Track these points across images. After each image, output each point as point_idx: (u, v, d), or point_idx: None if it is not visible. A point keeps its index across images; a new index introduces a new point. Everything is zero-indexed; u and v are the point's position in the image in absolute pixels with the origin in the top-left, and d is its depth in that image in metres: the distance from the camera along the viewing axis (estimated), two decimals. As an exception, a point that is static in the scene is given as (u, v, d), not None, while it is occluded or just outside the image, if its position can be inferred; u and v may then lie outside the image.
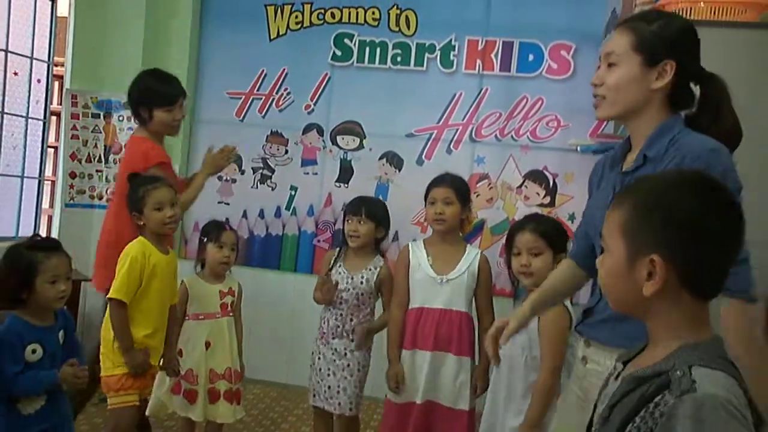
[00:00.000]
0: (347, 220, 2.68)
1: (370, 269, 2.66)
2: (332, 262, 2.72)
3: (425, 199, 2.57)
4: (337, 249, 2.77)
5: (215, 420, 2.60)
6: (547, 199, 3.77)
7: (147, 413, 2.64)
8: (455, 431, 2.41)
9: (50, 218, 4.34)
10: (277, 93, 4.07)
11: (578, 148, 3.46)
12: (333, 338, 2.65)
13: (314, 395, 2.68)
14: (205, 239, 2.65)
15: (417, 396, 2.44)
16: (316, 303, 2.73)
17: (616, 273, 1.01)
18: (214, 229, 2.66)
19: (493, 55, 3.83)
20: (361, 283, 2.64)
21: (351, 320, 2.64)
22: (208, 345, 2.58)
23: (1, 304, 1.98)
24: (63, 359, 2.06)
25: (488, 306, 2.51)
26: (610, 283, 1.05)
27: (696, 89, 1.51)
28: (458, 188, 2.53)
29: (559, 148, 3.72)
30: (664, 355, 0.96)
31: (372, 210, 2.68)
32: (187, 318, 2.61)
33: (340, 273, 2.66)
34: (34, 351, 1.96)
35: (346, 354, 2.63)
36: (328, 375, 2.63)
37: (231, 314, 2.66)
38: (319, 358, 2.68)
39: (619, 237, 1.00)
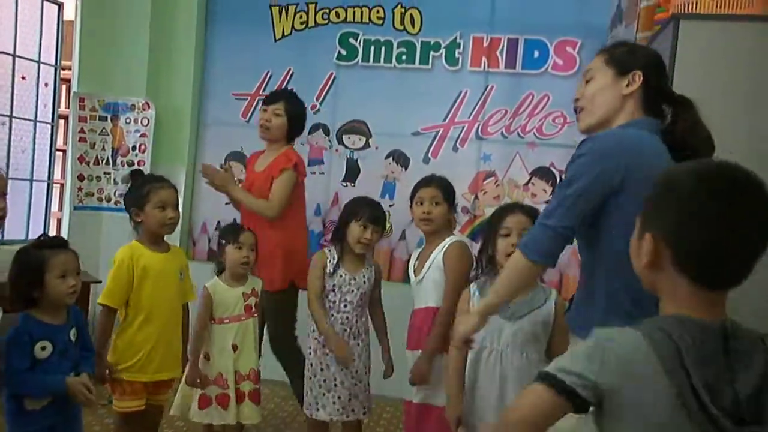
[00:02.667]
0: (361, 226, 2.55)
1: (368, 268, 2.63)
2: (333, 268, 2.58)
3: (411, 200, 2.54)
4: (331, 251, 2.63)
5: (240, 421, 2.62)
6: (554, 196, 3.75)
7: (171, 412, 2.66)
8: (425, 428, 2.37)
9: (59, 221, 4.37)
10: (282, 93, 4.07)
11: (585, 145, 3.44)
12: None
13: (318, 408, 2.56)
14: (224, 242, 2.64)
15: (409, 395, 2.45)
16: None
17: (633, 250, 1.10)
18: (231, 231, 2.66)
19: (498, 53, 3.83)
20: (364, 282, 2.60)
21: (356, 321, 2.59)
22: (235, 348, 2.59)
23: (15, 304, 2.02)
24: (76, 356, 2.11)
25: (449, 291, 2.37)
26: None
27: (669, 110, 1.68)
28: (445, 189, 2.51)
29: (566, 145, 3.70)
30: None
31: (384, 218, 2.65)
32: (212, 322, 2.61)
33: (341, 276, 2.58)
34: (43, 348, 1.99)
35: (353, 359, 2.55)
36: (335, 385, 2.55)
37: (255, 315, 2.67)
38: (322, 369, 2.57)
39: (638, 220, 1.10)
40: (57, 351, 2.02)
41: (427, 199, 2.47)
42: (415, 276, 2.51)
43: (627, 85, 1.64)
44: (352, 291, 2.58)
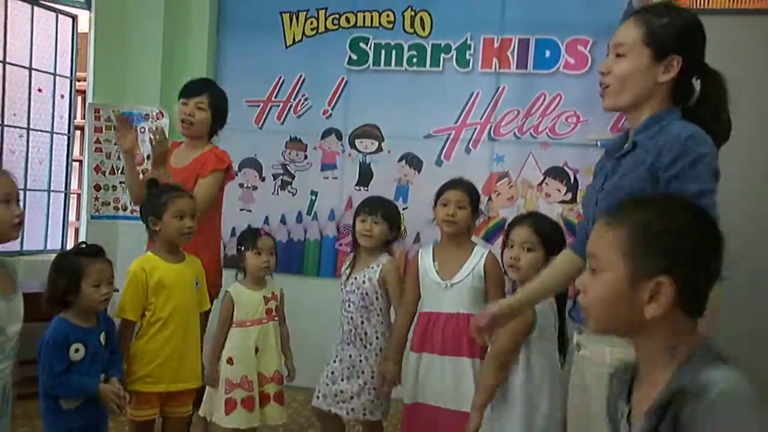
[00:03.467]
0: (361, 219, 2.62)
1: (372, 267, 2.61)
2: (344, 269, 2.69)
3: (435, 201, 2.54)
4: (352, 254, 2.74)
5: (266, 423, 2.65)
6: (569, 196, 3.73)
7: (200, 413, 2.67)
8: (438, 428, 2.38)
9: (77, 230, 4.42)
10: (294, 99, 4.10)
11: (598, 143, 3.42)
12: (348, 344, 2.61)
13: (318, 396, 2.64)
14: (243, 248, 2.67)
15: (423, 397, 2.45)
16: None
17: (615, 295, 1.00)
18: (250, 237, 2.68)
19: (509, 53, 3.82)
20: (364, 282, 2.60)
21: (362, 323, 2.59)
22: (256, 350, 2.62)
23: (52, 306, 2.12)
24: (106, 360, 2.19)
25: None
26: (600, 305, 1.03)
27: (697, 84, 1.53)
28: (471, 193, 2.53)
29: (579, 144, 3.68)
30: (667, 375, 0.97)
31: (388, 211, 2.66)
32: (233, 326, 2.64)
33: (345, 276, 2.64)
34: (77, 350, 2.09)
35: (360, 361, 2.59)
36: (342, 380, 2.59)
37: (275, 318, 2.69)
38: (334, 361, 2.64)
39: (619, 258, 1.00)
40: (89, 354, 2.12)
41: (452, 202, 2.47)
42: (441, 279, 2.47)
43: (663, 72, 1.48)
44: (353, 291, 2.62)
